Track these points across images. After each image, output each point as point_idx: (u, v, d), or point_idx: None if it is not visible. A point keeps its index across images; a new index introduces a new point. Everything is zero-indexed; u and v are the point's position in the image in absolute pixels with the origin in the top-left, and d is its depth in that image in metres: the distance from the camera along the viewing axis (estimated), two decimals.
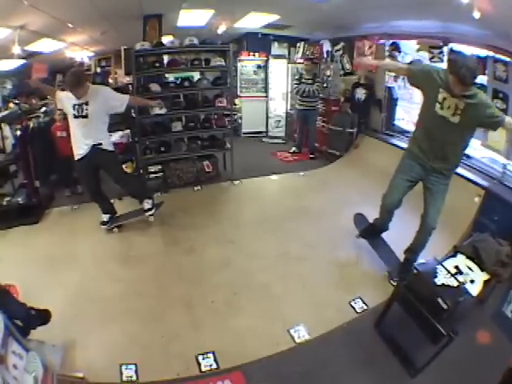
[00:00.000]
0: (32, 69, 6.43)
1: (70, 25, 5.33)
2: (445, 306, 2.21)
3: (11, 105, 5.79)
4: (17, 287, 2.61)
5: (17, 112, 5.15)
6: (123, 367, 2.42)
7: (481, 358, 2.43)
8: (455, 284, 2.39)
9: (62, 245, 3.90)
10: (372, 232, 3.58)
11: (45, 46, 6.13)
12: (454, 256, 2.81)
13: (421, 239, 3.09)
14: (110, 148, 3.90)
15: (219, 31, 6.74)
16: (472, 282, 2.50)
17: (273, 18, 6.41)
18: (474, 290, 2.45)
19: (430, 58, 4.86)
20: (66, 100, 3.65)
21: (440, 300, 2.24)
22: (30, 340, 2.15)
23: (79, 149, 3.72)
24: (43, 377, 1.85)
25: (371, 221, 3.62)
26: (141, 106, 4.70)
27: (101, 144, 3.75)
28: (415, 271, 2.52)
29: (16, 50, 5.20)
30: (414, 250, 3.15)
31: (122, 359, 2.47)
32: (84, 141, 3.68)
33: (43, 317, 2.41)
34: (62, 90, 3.94)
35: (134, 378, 2.38)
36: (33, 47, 5.87)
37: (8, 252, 3.71)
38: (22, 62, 6.05)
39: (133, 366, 2.43)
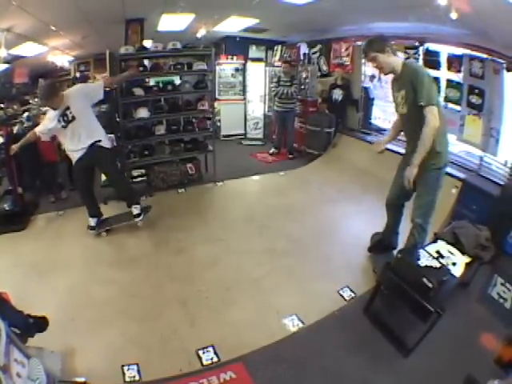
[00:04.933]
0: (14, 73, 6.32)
1: (53, 27, 5.27)
2: (430, 285, 2.29)
3: None
4: (8, 294, 2.48)
5: (1, 117, 5.05)
6: (125, 368, 2.40)
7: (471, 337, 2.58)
8: (438, 265, 2.52)
9: (50, 251, 3.83)
10: (380, 246, 3.58)
11: (28, 49, 6.07)
12: (434, 242, 2.92)
13: (410, 236, 3.09)
14: (107, 145, 3.89)
15: (198, 35, 6.78)
16: (454, 264, 2.60)
17: (252, 21, 6.51)
18: (457, 271, 2.56)
19: (406, 59, 5.04)
20: (50, 124, 3.62)
21: (425, 279, 2.33)
22: (29, 347, 2.08)
23: (77, 153, 3.72)
24: None
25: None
26: (120, 82, 4.60)
27: (100, 141, 3.75)
28: (399, 255, 2.64)
29: (3, 53, 5.13)
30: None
31: (122, 360, 2.46)
32: (82, 145, 3.67)
33: (41, 324, 2.36)
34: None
35: (137, 377, 2.36)
36: (16, 51, 5.80)
37: None
38: (5, 66, 5.93)
39: (135, 366, 2.42)
